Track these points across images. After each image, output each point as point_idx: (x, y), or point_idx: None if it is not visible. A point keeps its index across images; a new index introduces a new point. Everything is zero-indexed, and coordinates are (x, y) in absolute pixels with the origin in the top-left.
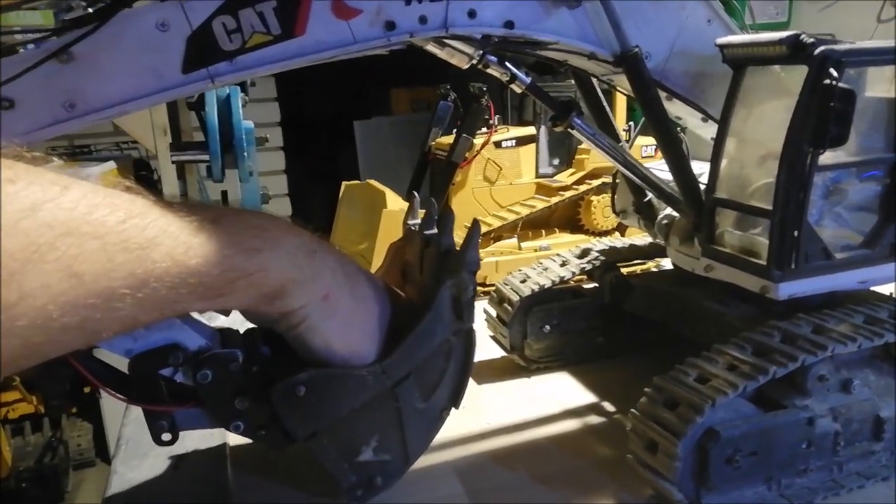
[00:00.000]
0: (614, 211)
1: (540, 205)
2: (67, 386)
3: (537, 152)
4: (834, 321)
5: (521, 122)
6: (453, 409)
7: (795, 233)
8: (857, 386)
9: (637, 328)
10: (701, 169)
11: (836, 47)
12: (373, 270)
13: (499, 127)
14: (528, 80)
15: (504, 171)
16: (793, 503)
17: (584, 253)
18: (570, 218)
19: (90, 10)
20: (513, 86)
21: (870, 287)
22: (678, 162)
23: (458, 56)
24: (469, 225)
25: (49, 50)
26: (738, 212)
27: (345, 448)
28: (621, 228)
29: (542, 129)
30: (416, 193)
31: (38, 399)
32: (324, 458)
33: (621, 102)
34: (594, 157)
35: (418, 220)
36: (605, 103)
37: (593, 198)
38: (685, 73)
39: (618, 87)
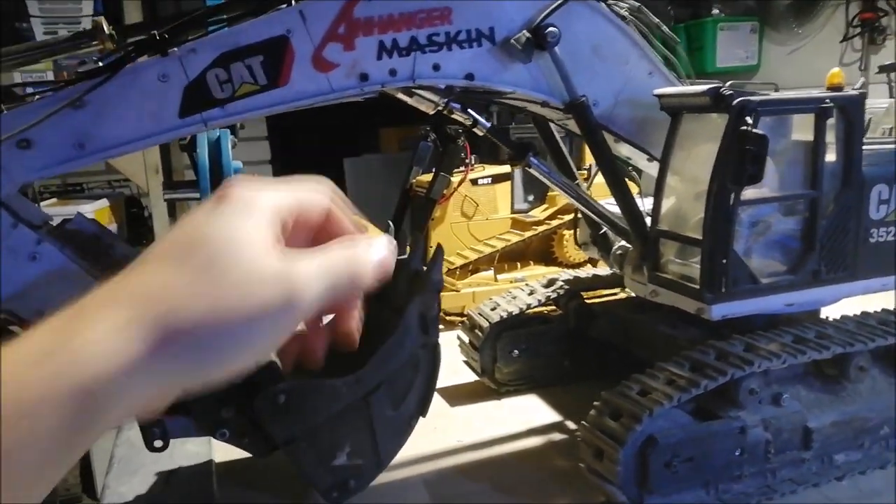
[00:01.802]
0: (577, 243)
1: (515, 238)
2: None
3: (512, 189)
4: (765, 341)
5: (498, 161)
6: (422, 418)
7: (724, 260)
8: (787, 399)
9: (600, 352)
10: (650, 204)
11: (752, 98)
12: None
13: (475, 165)
14: (489, 124)
15: (481, 207)
16: None
17: (551, 282)
18: (543, 251)
19: (100, 63)
20: (475, 129)
21: (797, 310)
22: (625, 198)
23: (425, 103)
24: (449, 258)
25: (66, 99)
26: (677, 242)
27: (321, 453)
28: (593, 261)
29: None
30: (390, 223)
31: None
32: (301, 462)
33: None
34: None
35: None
36: (561, 145)
37: (565, 232)
38: (630, 119)
39: (571, 131)
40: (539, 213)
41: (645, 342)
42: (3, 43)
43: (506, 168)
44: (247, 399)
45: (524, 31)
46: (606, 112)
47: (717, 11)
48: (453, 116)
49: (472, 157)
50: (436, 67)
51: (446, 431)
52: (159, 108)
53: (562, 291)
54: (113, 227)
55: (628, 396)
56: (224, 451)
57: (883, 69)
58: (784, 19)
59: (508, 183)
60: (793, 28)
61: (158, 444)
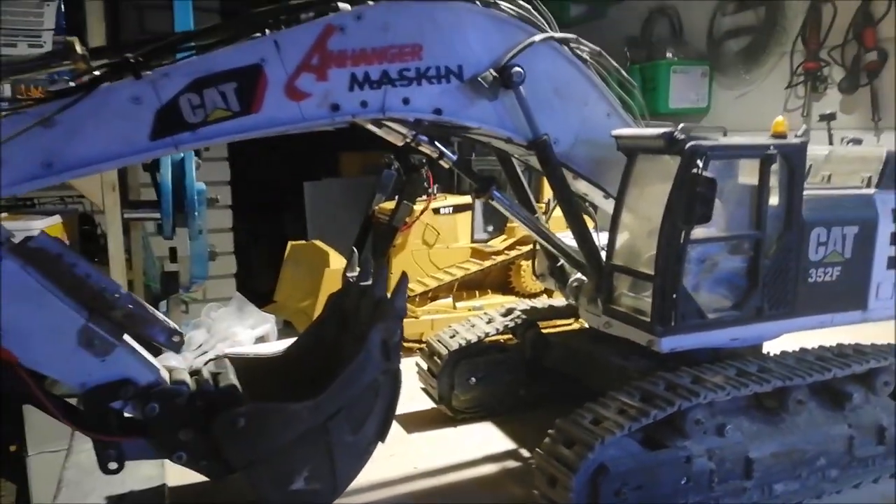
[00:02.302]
0: (534, 274)
1: (474, 267)
2: None
3: (473, 219)
4: (711, 373)
5: (460, 192)
6: (380, 444)
7: (673, 295)
8: (730, 430)
9: (554, 382)
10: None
11: (702, 142)
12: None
13: (437, 195)
14: (455, 157)
15: (441, 236)
16: None
17: (508, 312)
18: (501, 281)
19: (71, 83)
20: (441, 161)
21: (742, 345)
22: (582, 232)
23: (394, 135)
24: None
25: (37, 117)
26: (631, 277)
27: (278, 477)
28: (549, 291)
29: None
30: (354, 249)
31: None
32: (258, 486)
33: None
34: None
35: (356, 274)
36: (522, 179)
37: (523, 262)
38: (588, 158)
39: (532, 166)
40: (498, 243)
41: (598, 373)
42: None
43: (466, 199)
44: (206, 422)
45: (491, 70)
46: (566, 150)
47: (671, 55)
48: (420, 148)
49: (435, 187)
50: (405, 101)
51: (403, 458)
52: (130, 130)
53: (519, 321)
54: None
55: (581, 425)
56: (177, 476)
57: (823, 118)
58: (733, 65)
59: (469, 213)
60: (741, 74)
61: (113, 465)
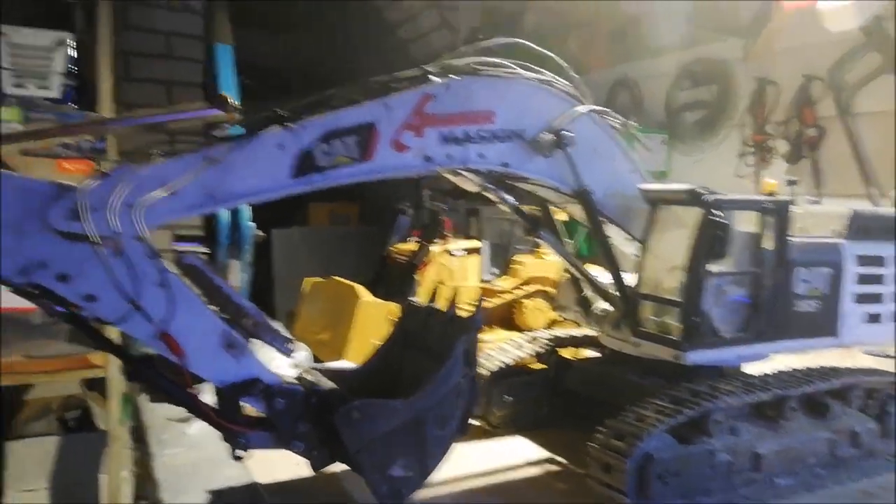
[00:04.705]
0: (555, 306)
1: (486, 304)
2: None
3: (481, 261)
4: (723, 383)
5: (467, 237)
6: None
7: (696, 318)
8: (742, 430)
9: (575, 401)
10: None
11: (720, 196)
12: (348, 353)
13: (451, 239)
14: (513, 201)
15: (454, 275)
16: None
17: (534, 339)
18: (505, 317)
19: (229, 133)
20: (499, 204)
21: (747, 361)
22: (614, 268)
23: (469, 183)
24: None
25: (205, 158)
26: (657, 303)
27: (380, 463)
28: (550, 326)
29: (486, 242)
30: (414, 278)
31: None
32: (366, 469)
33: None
34: (528, 266)
35: (415, 299)
36: (556, 221)
37: (526, 301)
38: (616, 206)
39: (568, 213)
40: (504, 282)
41: (616, 390)
42: None
43: (477, 243)
44: (320, 416)
45: (547, 133)
46: (600, 199)
47: (633, 123)
48: (485, 193)
49: (450, 231)
50: (481, 156)
51: (454, 464)
52: (275, 170)
53: (545, 347)
54: None
55: (628, 422)
56: (262, 474)
57: (790, 183)
58: (689, 134)
59: (478, 256)
60: (697, 142)
61: (241, 453)
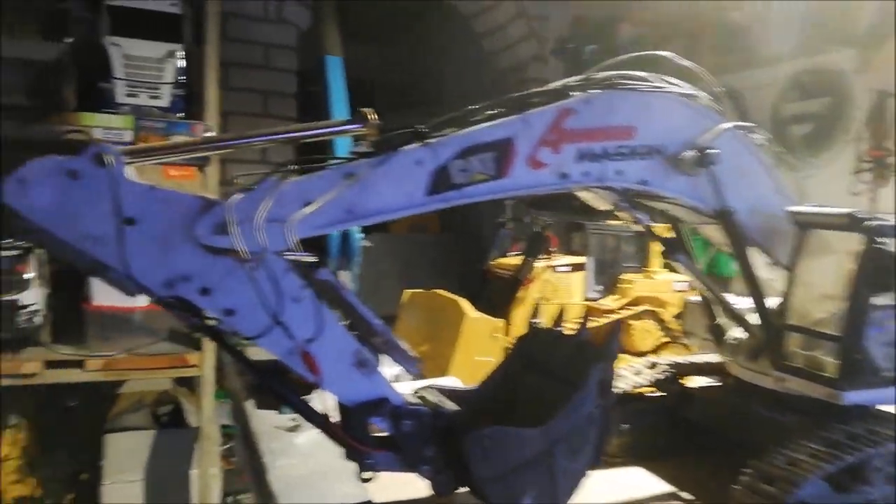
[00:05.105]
0: (683, 331)
1: (590, 325)
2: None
3: (586, 278)
4: (881, 426)
5: (569, 252)
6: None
7: (859, 356)
8: None
9: (696, 432)
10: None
11: (885, 222)
12: (452, 368)
13: (556, 254)
14: (649, 221)
15: (558, 292)
16: None
17: (653, 365)
18: None
19: (369, 150)
20: (633, 225)
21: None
22: (757, 296)
23: (602, 201)
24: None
25: (345, 172)
26: (807, 336)
27: (510, 493)
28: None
29: (591, 259)
30: (537, 302)
31: (36, 482)
32: (493, 499)
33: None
34: (638, 286)
35: (539, 320)
36: (687, 242)
37: (634, 322)
38: (759, 228)
39: (700, 232)
40: (611, 301)
41: (744, 424)
42: (83, 102)
43: (582, 259)
44: (447, 441)
45: (691, 150)
46: (743, 221)
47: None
48: (617, 212)
49: (555, 247)
50: (619, 173)
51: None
52: (412, 187)
53: (664, 374)
54: None
55: (779, 466)
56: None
57: None
58: (798, 149)
59: (583, 273)
60: (806, 157)
61: (368, 475)
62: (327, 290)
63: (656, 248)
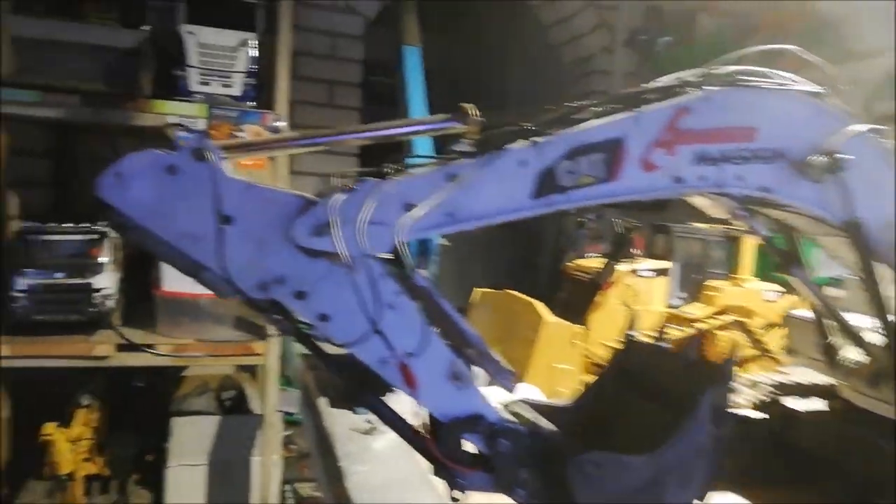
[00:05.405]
0: (788, 349)
1: (676, 334)
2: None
3: (669, 284)
4: None
5: (652, 256)
6: None
7: None
8: None
9: (801, 459)
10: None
11: None
12: (528, 374)
13: (639, 258)
14: (767, 232)
15: (639, 298)
16: None
17: (754, 384)
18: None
19: (471, 148)
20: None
21: None
22: (882, 315)
23: (719, 208)
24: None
25: (447, 173)
26: None
27: None
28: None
29: (675, 264)
30: (637, 315)
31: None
32: None
33: (748, 252)
34: (726, 294)
35: (635, 332)
36: (801, 254)
37: (721, 333)
38: (889, 242)
39: (818, 243)
40: (697, 310)
41: (860, 455)
42: (158, 89)
43: (666, 263)
44: (546, 464)
45: (819, 155)
46: (873, 233)
47: None
48: (731, 220)
49: (638, 250)
50: (738, 178)
51: None
52: (515, 189)
53: (767, 395)
54: None
55: None
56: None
57: None
58: None
59: (666, 278)
60: None
61: (458, 494)
62: (420, 295)
63: (747, 254)
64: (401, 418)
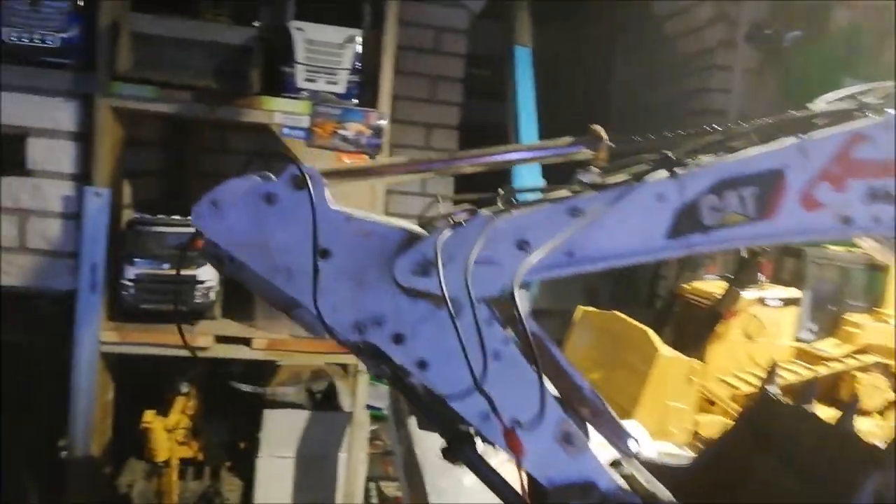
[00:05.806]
0: None
1: (805, 373)
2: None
3: (799, 315)
4: None
5: (780, 282)
6: None
7: None
8: None
9: None
10: None
11: None
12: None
13: (765, 284)
14: None
15: (765, 330)
16: None
17: None
18: (827, 393)
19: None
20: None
21: None
22: None
23: (887, 253)
24: (727, 379)
25: (575, 209)
26: None
27: None
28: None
29: (807, 292)
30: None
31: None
32: None
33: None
34: (868, 331)
35: (775, 388)
36: None
37: (860, 375)
38: None
39: None
40: (830, 347)
41: None
42: (266, 86)
43: (796, 292)
44: None
45: None
46: None
47: None
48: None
49: (765, 277)
50: None
51: None
52: (650, 227)
53: None
54: None
55: None
56: None
57: None
58: None
59: (796, 308)
60: None
61: None
62: (529, 344)
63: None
64: (503, 480)
